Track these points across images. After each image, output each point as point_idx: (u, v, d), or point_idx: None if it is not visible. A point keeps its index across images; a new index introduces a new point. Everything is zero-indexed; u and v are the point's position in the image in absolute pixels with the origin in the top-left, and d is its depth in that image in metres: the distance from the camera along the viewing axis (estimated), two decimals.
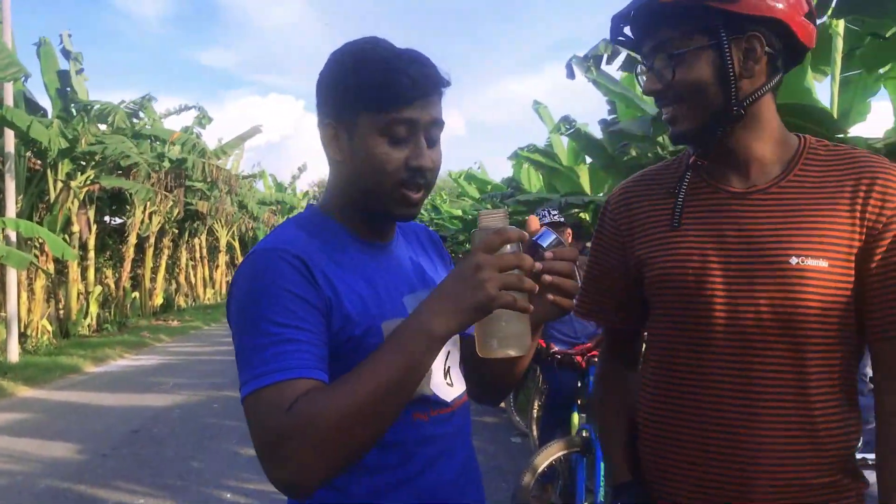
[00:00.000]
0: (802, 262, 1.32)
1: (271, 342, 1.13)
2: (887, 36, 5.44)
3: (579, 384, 4.22)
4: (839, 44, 6.85)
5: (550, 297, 1.21)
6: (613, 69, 7.54)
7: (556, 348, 4.19)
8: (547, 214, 4.80)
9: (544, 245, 1.23)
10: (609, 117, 10.60)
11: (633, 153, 8.27)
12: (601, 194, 12.00)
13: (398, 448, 1.27)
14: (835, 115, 5.94)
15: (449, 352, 1.37)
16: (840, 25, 6.83)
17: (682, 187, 1.46)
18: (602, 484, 3.69)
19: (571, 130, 10.26)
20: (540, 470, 3.74)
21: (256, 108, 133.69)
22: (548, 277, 1.19)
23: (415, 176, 1.27)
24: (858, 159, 1.39)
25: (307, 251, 1.24)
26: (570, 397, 4.32)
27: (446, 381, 1.36)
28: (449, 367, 1.38)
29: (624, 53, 7.08)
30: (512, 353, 1.18)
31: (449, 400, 1.35)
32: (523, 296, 1.12)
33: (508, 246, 1.13)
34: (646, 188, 1.56)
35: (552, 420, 4.33)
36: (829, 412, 1.35)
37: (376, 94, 1.24)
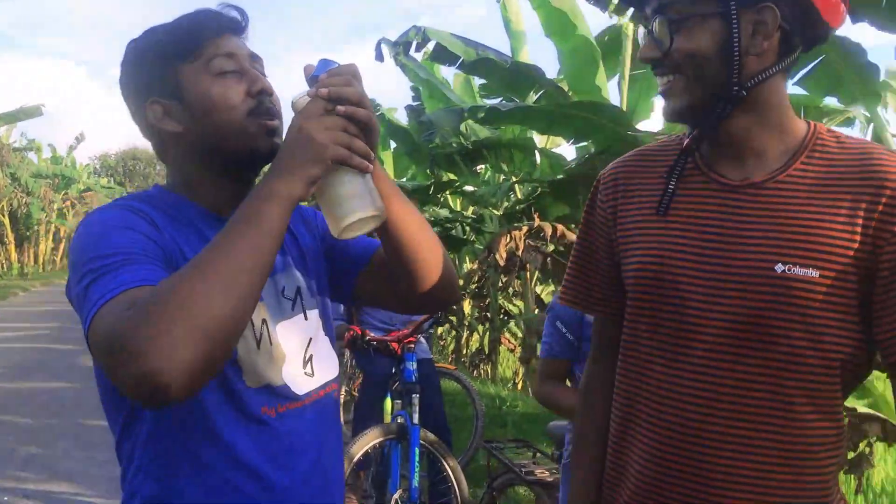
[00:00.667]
0: (789, 270, 1.17)
1: (105, 271, 1.03)
2: None
3: (394, 370, 4.23)
4: (629, 45, 7.35)
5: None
6: (421, 57, 7.57)
7: (371, 335, 4.17)
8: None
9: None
10: (414, 104, 10.74)
11: (438, 142, 8.41)
12: (404, 180, 12.14)
13: (242, 445, 1.18)
14: (624, 111, 6.34)
15: (311, 338, 1.30)
16: (629, 27, 7.33)
17: (675, 172, 1.29)
18: (416, 470, 3.72)
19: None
20: (356, 458, 3.71)
21: (31, 73, 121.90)
22: (340, 108, 1.09)
23: (263, 101, 1.22)
24: (870, 156, 1.20)
25: (152, 211, 1.18)
26: (385, 384, 4.33)
27: (305, 370, 1.27)
28: (311, 355, 1.29)
29: (433, 42, 7.16)
30: (361, 214, 1.10)
31: (301, 393, 1.25)
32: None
33: None
34: (638, 167, 1.38)
35: (368, 407, 4.31)
36: (810, 433, 1.20)
37: (185, 40, 1.21)
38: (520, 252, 7.23)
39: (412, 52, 7.36)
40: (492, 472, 3.13)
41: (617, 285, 1.39)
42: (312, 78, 1.15)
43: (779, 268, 1.17)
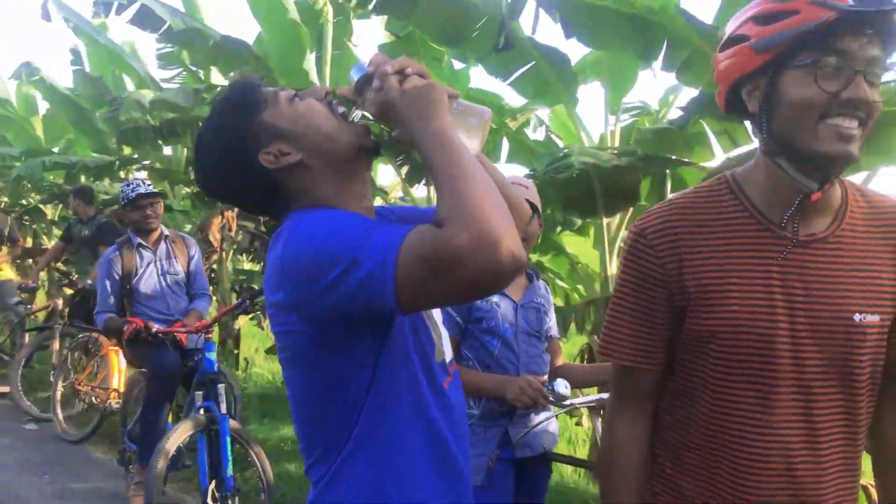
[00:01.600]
0: (864, 318, 1.34)
1: (368, 234, 1.19)
2: (401, 35, 6.31)
3: (186, 362, 4.14)
4: (329, 28, 7.65)
5: None
6: (122, 21, 7.02)
7: (157, 327, 4.01)
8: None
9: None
10: (74, 68, 9.83)
11: (124, 118, 7.83)
12: (56, 148, 11.05)
13: (427, 412, 1.36)
14: None
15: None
16: (328, 11, 7.63)
17: (746, 228, 1.40)
18: (230, 459, 3.74)
19: (35, 78, 9.23)
20: (171, 454, 3.62)
21: None
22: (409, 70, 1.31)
23: (332, 103, 1.43)
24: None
25: None
26: (174, 380, 4.19)
27: (446, 344, 1.48)
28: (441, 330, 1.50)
29: (137, 5, 6.71)
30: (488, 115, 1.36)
31: (451, 365, 1.48)
32: None
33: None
34: (693, 222, 1.42)
35: (157, 406, 4.12)
36: (859, 455, 1.43)
37: (250, 98, 1.39)
38: (232, 232, 7.20)
39: (112, 15, 6.82)
40: None
41: (670, 339, 1.46)
42: (359, 81, 1.33)
43: (857, 317, 1.34)
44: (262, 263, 8.51)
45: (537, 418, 2.78)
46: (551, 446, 2.86)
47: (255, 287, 8.54)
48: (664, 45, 5.10)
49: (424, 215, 1.54)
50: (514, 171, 6.51)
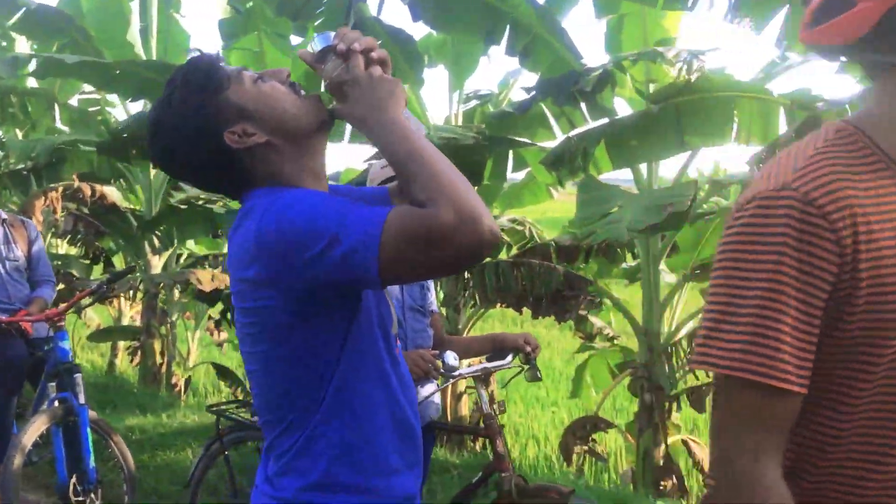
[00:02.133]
0: None
1: (346, 212, 1.23)
2: (242, 10, 6.16)
3: (34, 353, 3.88)
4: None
5: None
6: None
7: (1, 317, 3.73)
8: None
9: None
10: None
11: None
12: None
13: (387, 379, 1.42)
14: None
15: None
16: None
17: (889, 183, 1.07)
18: (91, 451, 3.57)
19: None
20: (28, 449, 3.41)
21: None
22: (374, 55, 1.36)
23: (295, 86, 1.41)
24: None
25: None
26: (22, 371, 3.91)
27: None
28: None
29: None
30: None
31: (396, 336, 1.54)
32: None
33: None
34: (854, 182, 1.06)
35: (6, 396, 3.83)
36: None
37: (212, 80, 1.37)
38: (57, 214, 6.76)
39: None
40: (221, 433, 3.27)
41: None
42: (324, 49, 1.36)
43: None
44: (86, 248, 8.03)
45: (423, 391, 2.90)
46: (437, 416, 2.99)
47: (74, 273, 8.09)
48: (507, 30, 5.33)
49: (378, 194, 1.59)
50: (356, 151, 6.52)
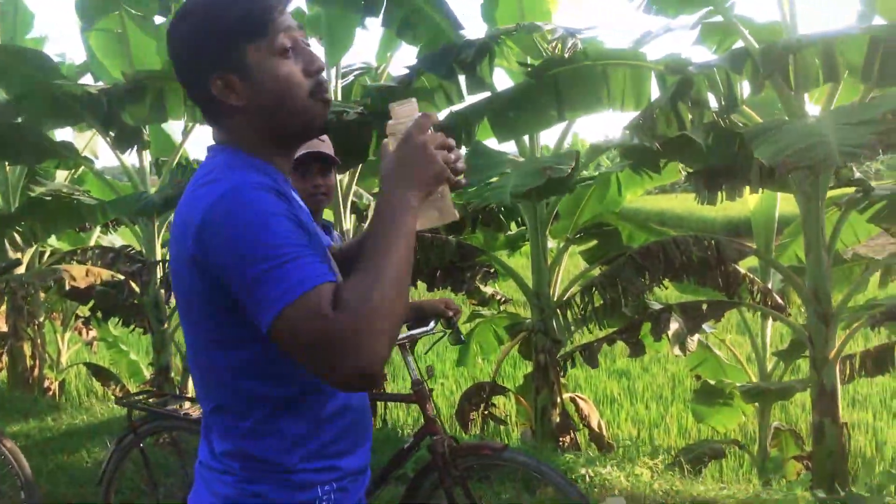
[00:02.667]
0: None
1: (280, 263, 1.15)
2: None
3: None
4: None
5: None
6: None
7: None
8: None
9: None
10: None
11: None
12: None
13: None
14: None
15: None
16: None
17: None
18: None
19: None
20: None
21: None
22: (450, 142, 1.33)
23: (321, 82, 1.35)
24: None
25: (269, 185, 1.25)
26: None
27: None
28: None
29: None
30: (450, 219, 1.36)
31: None
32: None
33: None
34: None
35: None
36: None
37: (252, 19, 1.28)
38: None
39: None
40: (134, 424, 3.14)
41: None
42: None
43: None
44: None
45: None
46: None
47: None
48: (384, 2, 5.32)
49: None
50: None
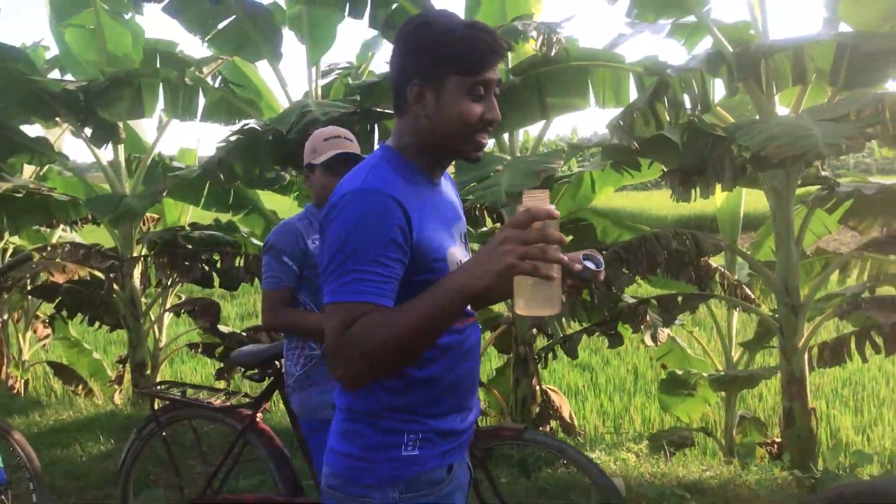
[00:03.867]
0: None
1: (356, 269, 1.44)
2: None
3: None
4: None
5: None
6: None
7: None
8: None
9: (591, 268, 1.63)
10: None
11: None
12: None
13: (451, 348, 1.63)
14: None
15: None
16: None
17: None
18: None
19: None
20: None
21: None
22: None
23: (486, 126, 1.58)
24: None
25: (399, 191, 1.50)
26: None
27: None
28: None
29: None
30: (536, 313, 1.39)
31: (470, 310, 1.73)
32: (550, 265, 1.33)
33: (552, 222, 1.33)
34: None
35: None
36: None
37: (466, 60, 1.53)
38: None
39: None
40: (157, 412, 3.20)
41: None
42: (586, 270, 1.61)
43: None
44: None
45: None
46: None
47: None
48: (369, 2, 5.42)
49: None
50: (210, 129, 6.36)
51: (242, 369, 3.41)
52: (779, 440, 5.53)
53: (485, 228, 6.76)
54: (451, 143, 1.59)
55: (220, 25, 5.81)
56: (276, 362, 3.16)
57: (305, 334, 2.87)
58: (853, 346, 5.14)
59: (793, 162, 4.29)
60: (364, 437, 1.62)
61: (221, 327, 6.72)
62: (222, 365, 6.74)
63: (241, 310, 12.33)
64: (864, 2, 4.45)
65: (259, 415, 3.22)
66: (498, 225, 6.76)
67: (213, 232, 6.70)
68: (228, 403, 3.23)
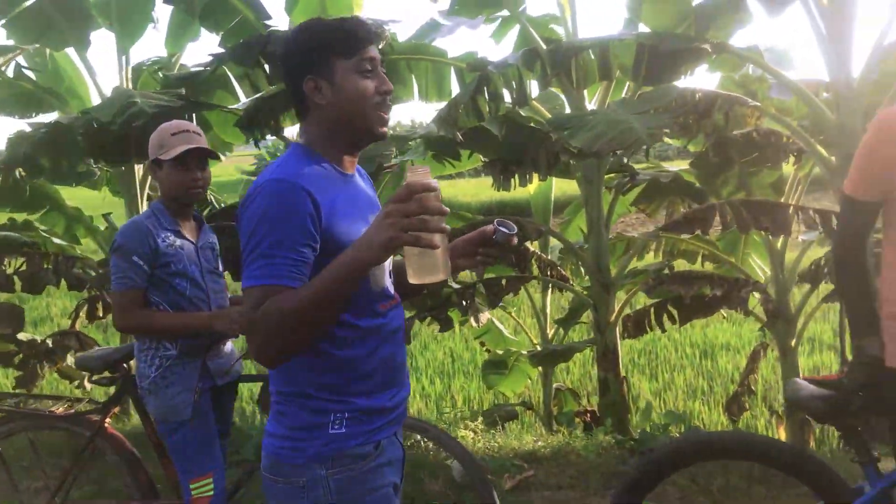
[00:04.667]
0: None
1: (267, 255, 1.53)
2: None
3: None
4: None
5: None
6: None
7: None
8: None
9: (505, 231, 1.78)
10: None
11: None
12: None
13: (374, 331, 1.73)
14: None
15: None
16: None
17: None
18: None
19: None
20: None
21: None
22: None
23: (384, 98, 1.70)
24: None
25: (308, 181, 1.59)
26: None
27: (390, 279, 1.84)
28: (389, 270, 1.86)
29: None
30: (425, 280, 1.49)
31: (392, 293, 1.83)
32: (432, 235, 1.40)
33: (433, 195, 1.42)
34: None
35: None
36: None
37: (346, 43, 1.67)
38: None
39: None
40: None
41: None
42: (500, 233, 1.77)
43: None
44: None
45: (226, 347, 3.01)
46: (241, 370, 3.11)
47: None
48: None
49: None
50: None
51: (88, 374, 3.25)
52: (592, 409, 6.02)
53: None
54: (357, 122, 1.68)
55: (20, 8, 5.39)
56: (126, 364, 3.06)
57: (160, 335, 2.81)
58: (653, 318, 5.67)
59: (627, 154, 4.67)
60: (293, 417, 1.69)
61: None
62: (21, 374, 6.26)
63: (34, 314, 11.44)
64: (662, 5, 4.91)
65: (108, 420, 3.10)
66: None
67: (7, 233, 6.21)
68: (73, 411, 3.08)
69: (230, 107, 5.55)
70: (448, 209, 1.50)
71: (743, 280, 4.90)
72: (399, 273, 1.84)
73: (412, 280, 1.51)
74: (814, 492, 2.51)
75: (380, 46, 1.80)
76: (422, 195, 1.41)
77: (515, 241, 1.80)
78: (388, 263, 1.82)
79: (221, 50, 5.18)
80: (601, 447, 4.36)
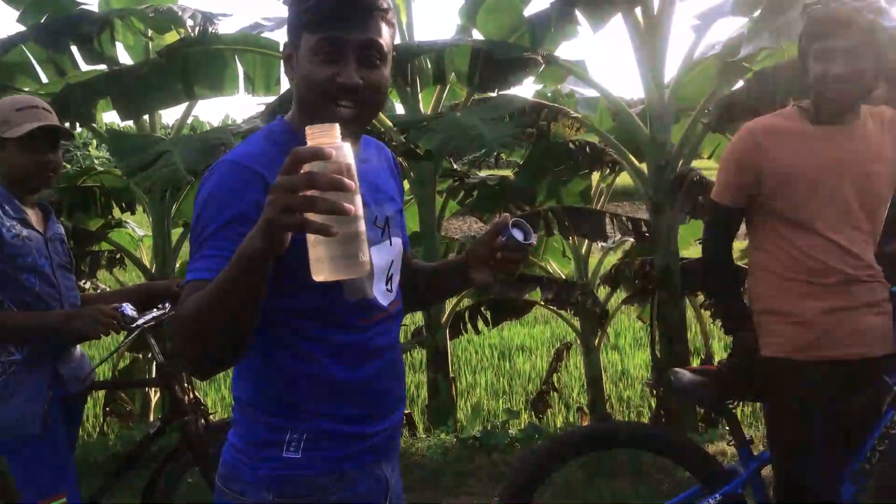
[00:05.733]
0: None
1: (204, 245, 1.33)
2: None
3: None
4: None
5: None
6: None
7: None
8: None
9: (518, 239, 1.45)
10: None
11: None
12: None
13: (348, 347, 1.46)
14: None
15: (393, 261, 1.53)
16: None
17: None
18: None
19: None
20: None
21: None
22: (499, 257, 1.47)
23: (341, 94, 1.37)
24: None
25: (265, 164, 1.34)
26: None
27: (387, 287, 1.52)
28: (392, 274, 1.54)
29: None
30: (333, 277, 1.15)
31: (385, 304, 1.51)
32: (329, 218, 1.10)
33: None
34: None
35: None
36: None
37: (309, 16, 1.38)
38: None
39: None
40: None
41: None
42: (508, 237, 1.44)
43: None
44: None
45: (76, 351, 2.70)
46: (94, 376, 2.80)
47: None
48: None
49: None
50: None
51: None
52: (407, 412, 6.03)
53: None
54: (311, 111, 1.40)
55: None
56: None
57: (8, 338, 2.46)
58: (468, 319, 5.78)
59: (478, 162, 4.71)
60: (247, 430, 1.48)
61: None
62: None
63: None
64: (496, 14, 5.04)
65: None
66: None
67: None
68: None
69: (31, 91, 4.96)
70: (354, 183, 1.12)
71: (570, 283, 5.14)
72: (418, 274, 1.70)
73: (316, 277, 1.16)
74: (693, 475, 2.67)
75: (368, 33, 1.40)
76: (312, 164, 1.10)
77: (528, 251, 1.49)
78: (383, 265, 1.53)
79: (22, 27, 4.66)
80: (445, 447, 4.37)
